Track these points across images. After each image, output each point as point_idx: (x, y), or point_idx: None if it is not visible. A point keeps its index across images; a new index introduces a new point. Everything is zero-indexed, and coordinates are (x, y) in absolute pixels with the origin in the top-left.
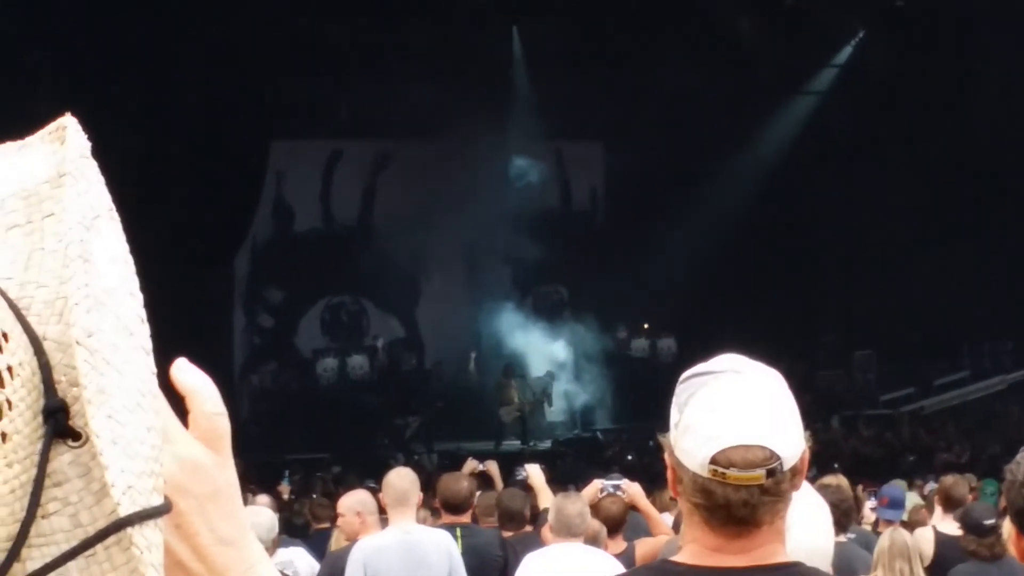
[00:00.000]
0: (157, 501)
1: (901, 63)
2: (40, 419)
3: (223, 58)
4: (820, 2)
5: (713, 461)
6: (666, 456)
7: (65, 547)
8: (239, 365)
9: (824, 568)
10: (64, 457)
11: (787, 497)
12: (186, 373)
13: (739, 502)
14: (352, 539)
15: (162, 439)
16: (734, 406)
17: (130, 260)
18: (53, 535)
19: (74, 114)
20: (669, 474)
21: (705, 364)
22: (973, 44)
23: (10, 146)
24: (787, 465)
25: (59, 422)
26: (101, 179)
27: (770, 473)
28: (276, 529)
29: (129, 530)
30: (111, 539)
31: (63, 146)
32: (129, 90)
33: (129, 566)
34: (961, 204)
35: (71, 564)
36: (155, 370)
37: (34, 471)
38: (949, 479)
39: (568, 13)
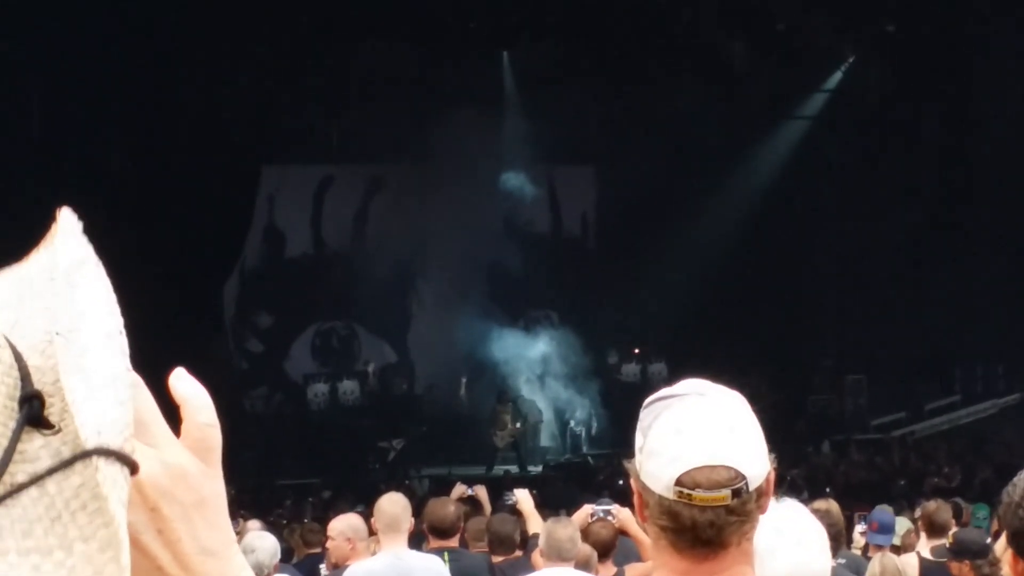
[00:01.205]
0: (128, 450)
1: (892, 87)
2: (15, 406)
3: (214, 83)
4: (811, 26)
5: (678, 483)
6: (632, 481)
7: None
8: (229, 390)
9: None
10: (36, 441)
11: (753, 518)
12: (182, 382)
13: (705, 523)
14: (341, 564)
15: (138, 427)
16: (698, 428)
17: (114, 301)
18: (20, 496)
19: (66, 139)
20: (635, 499)
21: (668, 388)
22: (964, 68)
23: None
24: (753, 485)
25: (34, 409)
26: (91, 249)
27: (736, 493)
28: (279, 555)
29: (97, 459)
30: (79, 465)
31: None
32: (120, 114)
33: (94, 492)
34: (952, 228)
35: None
36: (130, 368)
37: (3, 442)
38: (932, 504)
39: (558, 38)
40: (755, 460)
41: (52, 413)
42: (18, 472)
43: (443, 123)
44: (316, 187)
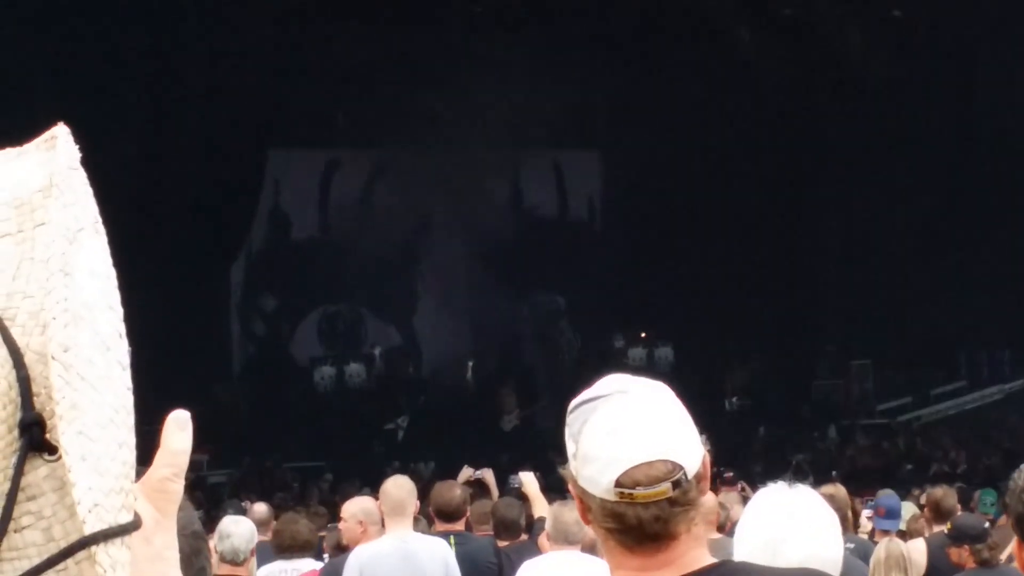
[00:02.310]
0: (126, 518)
1: (900, 72)
2: (16, 433)
3: (221, 67)
4: (819, 12)
5: (618, 484)
6: (570, 487)
7: (37, 561)
8: (236, 373)
9: None
10: (40, 471)
11: (697, 504)
12: (177, 431)
13: (651, 519)
14: (352, 546)
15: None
16: (628, 426)
17: (112, 274)
18: (26, 549)
19: (71, 122)
20: (576, 504)
21: (590, 390)
22: (972, 53)
23: (8, 152)
24: (691, 473)
25: (35, 436)
26: (89, 190)
27: (676, 484)
28: (255, 539)
29: (94, 548)
30: (81, 554)
31: (54, 155)
32: (127, 99)
33: None
34: (960, 214)
35: None
36: (131, 386)
37: (7, 486)
38: (939, 490)
39: (565, 23)
40: (689, 448)
41: (53, 428)
42: (23, 516)
43: (449, 107)
44: (322, 171)
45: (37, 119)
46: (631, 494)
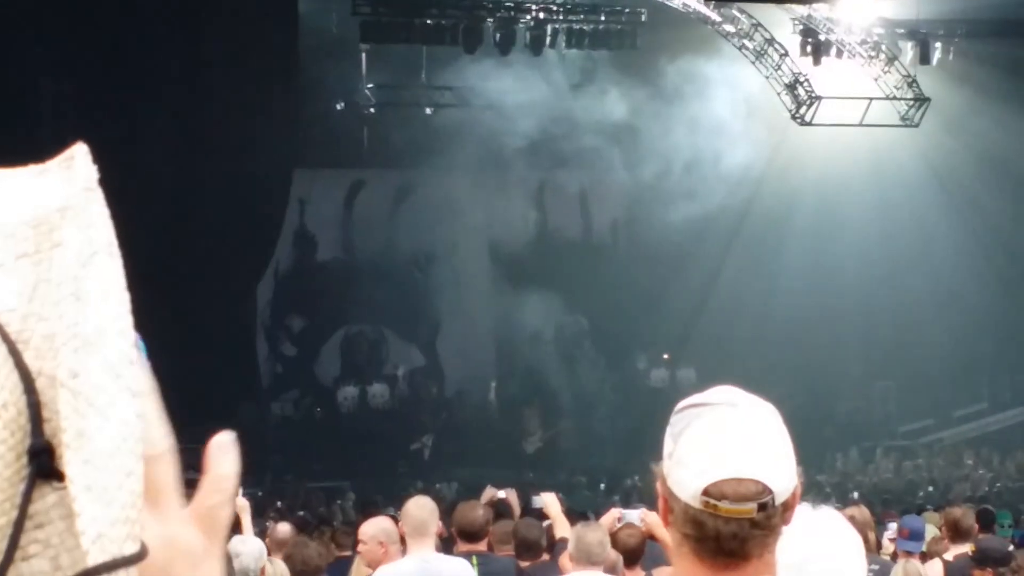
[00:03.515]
0: (131, 549)
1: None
2: (24, 460)
3: (248, 86)
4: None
5: (705, 493)
6: (658, 485)
7: None
8: (262, 393)
9: None
10: (48, 498)
11: (777, 531)
12: (223, 455)
13: (729, 534)
14: (374, 567)
15: (143, 485)
16: (728, 439)
17: (125, 299)
18: None
19: (97, 143)
20: (660, 503)
21: (701, 395)
22: None
23: (30, 170)
24: (779, 500)
25: (43, 463)
26: (105, 212)
27: (761, 507)
28: (264, 558)
29: None
30: None
31: (72, 175)
32: (153, 119)
33: None
34: (983, 237)
35: None
36: (141, 413)
37: (14, 514)
38: (957, 510)
39: (579, 45)
40: (783, 474)
41: (61, 455)
42: (30, 544)
43: (473, 130)
44: (347, 191)
45: (63, 137)
46: (716, 505)
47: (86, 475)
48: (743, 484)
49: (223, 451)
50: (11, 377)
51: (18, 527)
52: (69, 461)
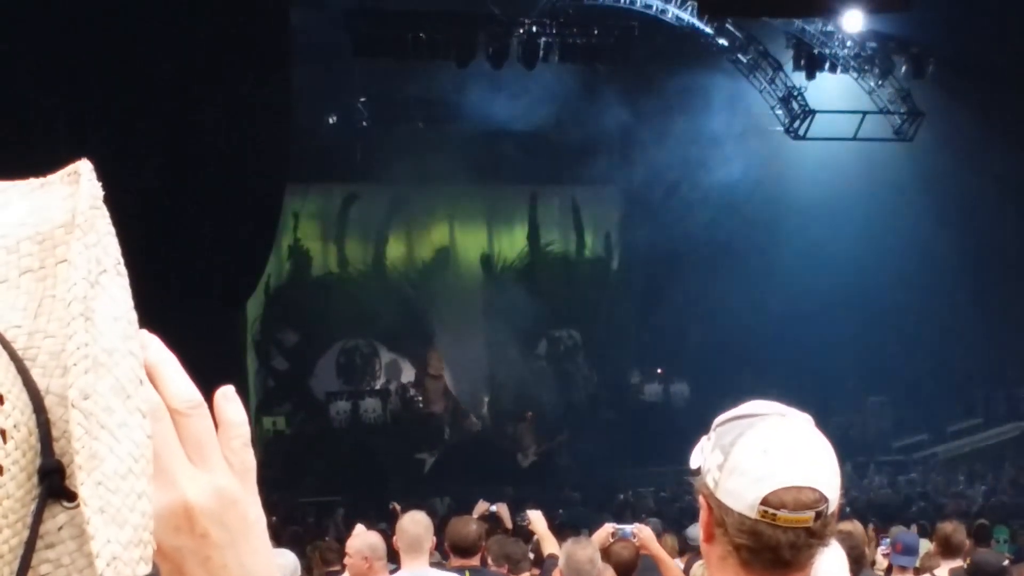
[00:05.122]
0: (144, 571)
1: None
2: (35, 480)
3: (240, 100)
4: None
5: (764, 502)
6: (702, 498)
7: None
8: (253, 407)
9: None
10: (59, 518)
11: (827, 541)
12: (229, 403)
13: (787, 544)
14: None
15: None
16: (785, 448)
17: (133, 318)
18: None
19: (89, 156)
20: (704, 515)
21: (744, 407)
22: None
23: (31, 183)
24: (831, 508)
25: (54, 483)
26: (111, 230)
27: (818, 515)
28: (299, 571)
29: None
30: None
31: (76, 191)
32: (144, 132)
33: None
34: (971, 252)
35: None
36: (151, 433)
37: (26, 534)
38: (949, 526)
39: (572, 59)
40: (834, 484)
41: (72, 475)
42: (41, 564)
43: (466, 144)
44: (340, 205)
45: (57, 150)
46: (774, 515)
47: (99, 496)
48: (802, 492)
49: (229, 400)
50: (21, 397)
51: (30, 547)
52: (82, 483)
